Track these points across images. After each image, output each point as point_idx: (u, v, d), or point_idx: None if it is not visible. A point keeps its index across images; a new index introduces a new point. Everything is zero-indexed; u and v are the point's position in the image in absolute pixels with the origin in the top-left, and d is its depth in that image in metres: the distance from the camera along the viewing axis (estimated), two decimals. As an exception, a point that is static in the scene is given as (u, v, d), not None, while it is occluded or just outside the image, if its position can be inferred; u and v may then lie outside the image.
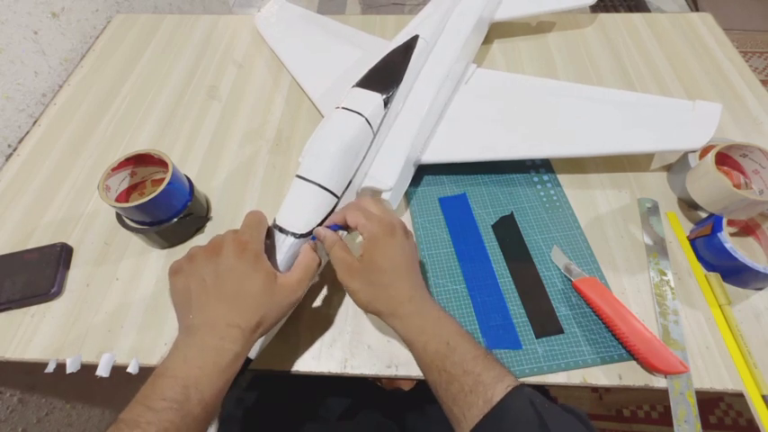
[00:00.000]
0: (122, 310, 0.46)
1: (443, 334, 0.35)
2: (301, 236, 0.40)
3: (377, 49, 0.55)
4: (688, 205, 0.51)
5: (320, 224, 0.41)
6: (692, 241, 0.48)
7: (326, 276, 0.48)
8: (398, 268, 0.38)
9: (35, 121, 0.65)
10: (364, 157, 0.46)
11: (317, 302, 0.46)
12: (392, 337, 0.44)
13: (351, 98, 0.47)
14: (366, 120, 0.45)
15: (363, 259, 0.38)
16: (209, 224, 0.53)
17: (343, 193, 0.44)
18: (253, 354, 0.39)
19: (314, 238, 0.41)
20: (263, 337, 0.40)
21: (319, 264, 0.40)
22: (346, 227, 0.41)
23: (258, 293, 0.34)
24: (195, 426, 0.30)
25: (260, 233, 0.38)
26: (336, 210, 0.43)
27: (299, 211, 0.41)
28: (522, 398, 0.32)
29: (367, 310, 0.38)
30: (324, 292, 0.47)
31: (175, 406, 0.29)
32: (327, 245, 0.39)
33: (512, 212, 0.52)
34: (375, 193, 0.48)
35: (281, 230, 0.40)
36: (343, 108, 0.46)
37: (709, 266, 0.46)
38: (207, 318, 0.33)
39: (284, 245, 0.40)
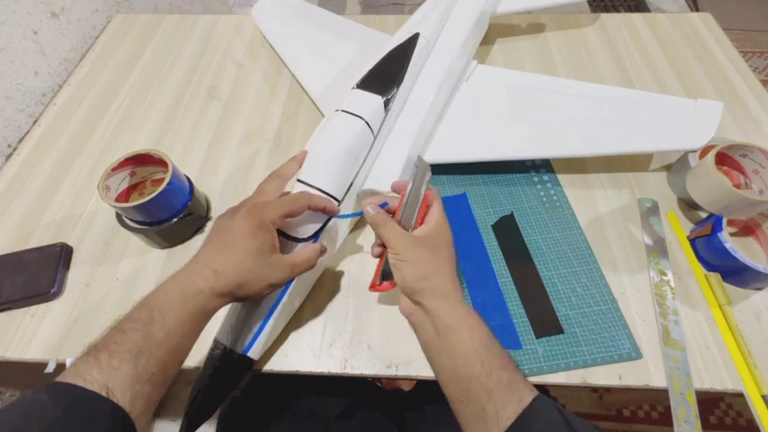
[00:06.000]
0: (122, 310, 0.46)
1: (484, 323, 0.35)
2: (302, 240, 0.41)
3: (377, 44, 0.54)
4: (688, 205, 0.51)
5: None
6: (692, 241, 0.48)
7: (326, 276, 0.48)
8: (453, 253, 0.39)
9: (35, 121, 0.65)
10: (364, 160, 0.46)
11: (317, 303, 0.46)
12: (392, 337, 0.44)
13: (351, 101, 0.47)
14: (366, 123, 0.45)
15: (432, 232, 0.38)
16: (209, 224, 0.53)
17: (344, 197, 0.44)
18: (255, 355, 0.39)
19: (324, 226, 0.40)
20: (264, 338, 0.40)
21: (316, 260, 0.40)
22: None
23: (247, 253, 0.35)
24: (158, 351, 0.31)
25: (274, 207, 0.37)
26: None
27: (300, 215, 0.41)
28: (548, 402, 0.31)
29: (416, 286, 0.36)
30: (324, 291, 0.47)
31: (140, 327, 0.31)
32: (378, 221, 0.39)
33: (512, 212, 0.51)
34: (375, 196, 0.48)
35: (283, 235, 0.40)
36: (344, 111, 0.46)
37: (709, 266, 0.46)
38: (195, 258, 0.36)
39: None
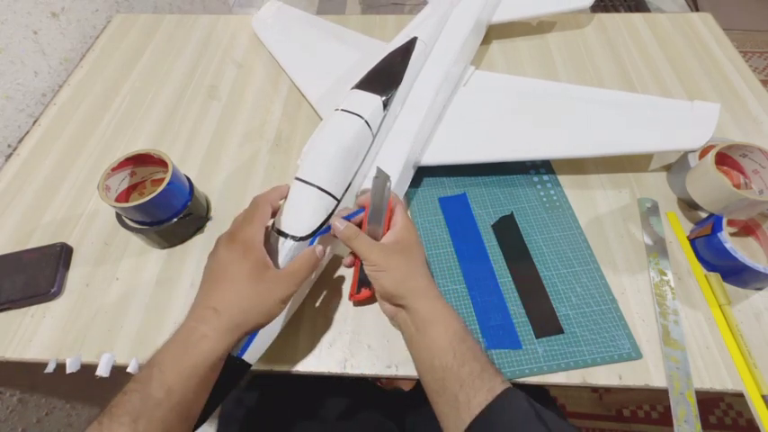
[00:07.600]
0: (122, 310, 0.46)
1: (459, 317, 0.37)
2: (301, 239, 0.40)
3: (375, 52, 0.55)
4: (688, 205, 0.51)
5: (321, 227, 0.41)
6: (692, 241, 0.48)
7: (326, 276, 0.48)
8: (423, 250, 0.41)
9: (35, 121, 0.65)
10: (363, 159, 0.46)
11: (317, 303, 0.46)
12: (392, 337, 0.44)
13: (350, 100, 0.47)
14: (365, 122, 0.45)
15: (399, 236, 0.40)
16: (209, 224, 0.53)
17: (343, 195, 0.44)
18: (251, 358, 0.39)
19: (325, 231, 0.41)
20: (261, 340, 0.39)
21: (317, 263, 0.39)
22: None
23: (241, 278, 0.34)
24: (159, 412, 0.28)
25: (253, 224, 0.37)
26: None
27: (298, 214, 0.41)
28: (519, 393, 0.33)
29: (396, 292, 0.37)
30: (323, 292, 0.47)
31: (138, 387, 0.29)
32: (349, 235, 0.39)
33: (512, 212, 0.51)
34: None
35: (281, 234, 0.40)
36: (343, 110, 0.46)
37: (709, 266, 0.46)
38: (192, 306, 0.34)
39: (284, 248, 0.40)
